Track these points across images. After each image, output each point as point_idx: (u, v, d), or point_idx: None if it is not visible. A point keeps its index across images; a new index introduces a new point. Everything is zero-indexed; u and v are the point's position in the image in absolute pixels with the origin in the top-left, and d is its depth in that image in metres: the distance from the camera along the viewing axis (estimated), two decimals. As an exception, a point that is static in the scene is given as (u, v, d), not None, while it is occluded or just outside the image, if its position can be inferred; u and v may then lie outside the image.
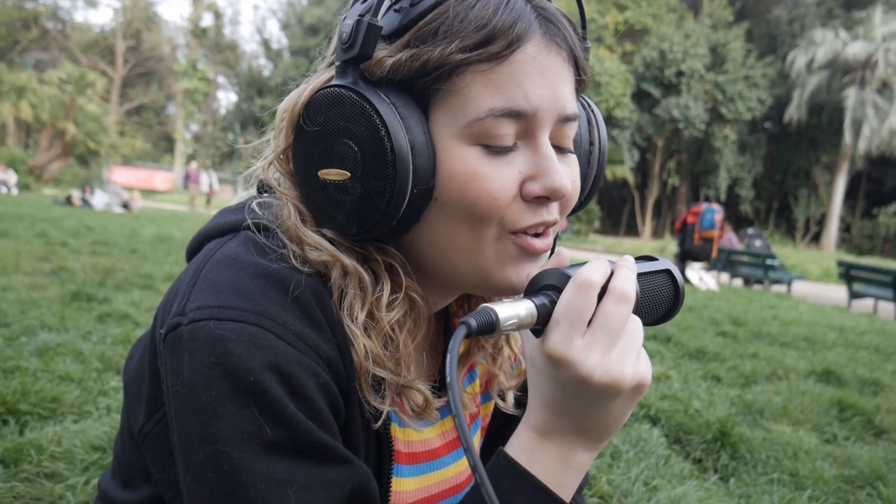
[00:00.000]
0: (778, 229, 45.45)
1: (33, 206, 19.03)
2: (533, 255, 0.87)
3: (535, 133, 0.83)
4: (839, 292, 15.49)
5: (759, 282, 15.64)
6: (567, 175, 0.86)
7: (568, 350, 0.74)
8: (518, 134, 0.82)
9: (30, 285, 5.96)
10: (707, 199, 29.19)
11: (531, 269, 0.87)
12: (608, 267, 0.79)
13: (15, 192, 26.89)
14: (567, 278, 0.77)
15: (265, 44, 67.90)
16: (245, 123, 61.38)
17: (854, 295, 12.96)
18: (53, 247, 9.29)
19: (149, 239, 11.97)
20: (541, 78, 0.81)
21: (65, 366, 3.50)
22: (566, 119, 0.86)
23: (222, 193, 47.04)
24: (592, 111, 1.02)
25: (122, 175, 41.40)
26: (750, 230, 20.92)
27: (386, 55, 0.80)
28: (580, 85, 0.90)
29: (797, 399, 4.45)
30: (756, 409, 4.14)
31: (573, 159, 0.91)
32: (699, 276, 13.70)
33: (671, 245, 25.62)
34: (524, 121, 0.81)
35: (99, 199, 22.96)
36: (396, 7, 0.82)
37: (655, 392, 4.15)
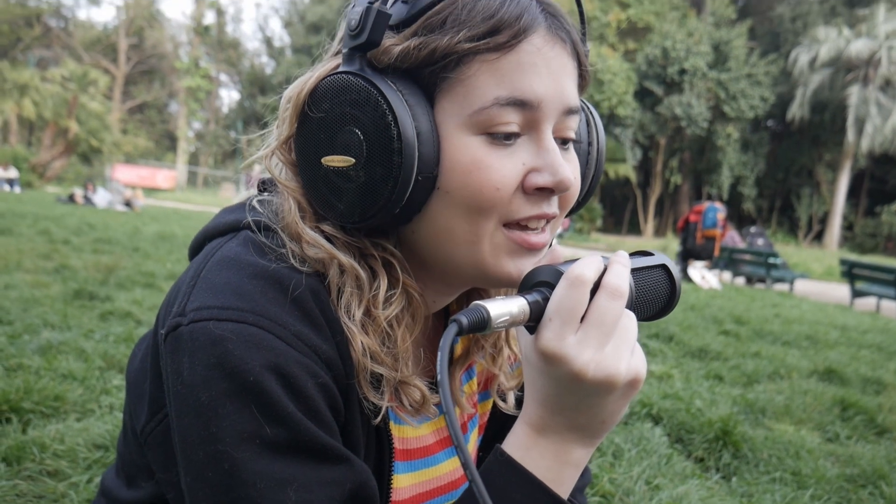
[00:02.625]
0: (780, 227, 45.42)
1: (36, 203, 19.06)
2: (529, 249, 0.87)
3: (539, 125, 0.83)
4: (842, 291, 15.46)
5: (762, 280, 15.62)
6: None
7: (561, 346, 0.74)
8: (522, 125, 0.82)
9: (32, 283, 5.97)
10: (710, 198, 29.20)
11: (529, 262, 0.87)
12: (601, 262, 0.79)
13: (17, 189, 26.92)
14: (560, 274, 0.77)
15: (267, 42, 68.05)
16: (247, 121, 61.44)
17: (857, 293, 12.94)
18: (56, 245, 9.31)
19: (151, 237, 11.98)
20: (546, 69, 0.82)
21: (67, 364, 3.51)
22: (569, 111, 0.86)
23: (224, 191, 47.14)
24: (591, 112, 1.03)
25: (124, 173, 41.49)
26: (752, 228, 20.90)
27: (393, 43, 0.81)
28: (582, 82, 0.91)
29: (799, 398, 4.44)
30: (758, 409, 4.14)
31: (573, 153, 0.91)
32: (701, 275, 13.69)
33: (673, 243, 25.61)
34: (529, 111, 0.81)
35: (101, 197, 22.99)
36: None
37: (657, 391, 4.15)
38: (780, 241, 38.38)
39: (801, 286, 16.59)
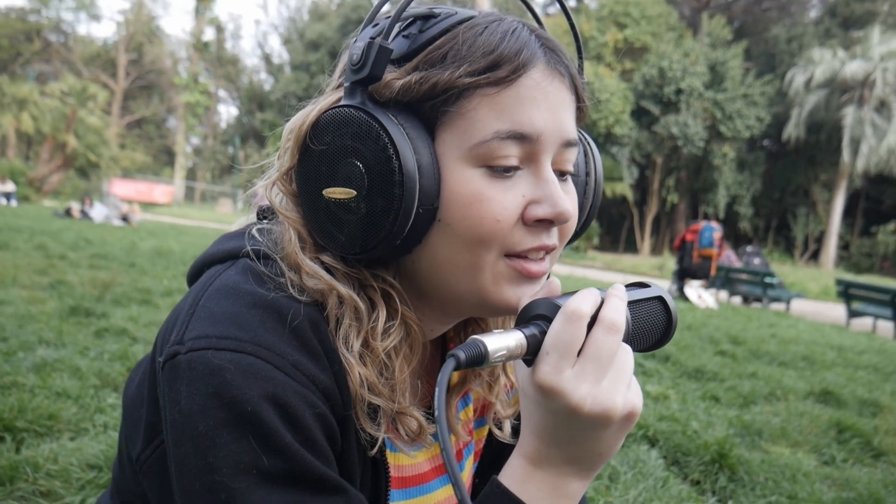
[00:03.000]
0: (777, 247, 45.49)
1: (33, 218, 19.05)
2: (529, 277, 0.87)
3: (538, 157, 0.84)
4: (838, 310, 15.47)
5: (758, 300, 15.62)
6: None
7: (558, 380, 0.75)
8: (521, 157, 0.83)
9: (28, 299, 5.96)
10: (706, 217, 29.24)
11: (530, 290, 0.87)
12: (598, 296, 0.80)
13: (14, 203, 26.91)
14: (557, 308, 0.78)
15: (266, 58, 68.27)
16: (245, 137, 61.62)
17: (853, 313, 12.94)
18: (52, 260, 9.30)
19: (148, 252, 11.97)
20: (545, 103, 0.83)
21: (62, 382, 3.50)
22: (568, 144, 0.87)
23: (222, 207, 47.16)
24: (588, 143, 1.04)
25: (121, 188, 41.49)
26: (749, 248, 20.95)
27: (395, 77, 0.82)
28: (579, 114, 0.92)
29: (796, 420, 4.44)
30: (754, 430, 4.13)
31: (571, 185, 0.92)
32: (698, 294, 13.70)
33: (670, 262, 25.63)
34: (528, 144, 0.82)
35: (98, 212, 22.98)
36: (405, 33, 0.85)
37: (653, 412, 4.14)
38: (777, 260, 38.40)
39: (798, 306, 16.61)
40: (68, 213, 22.61)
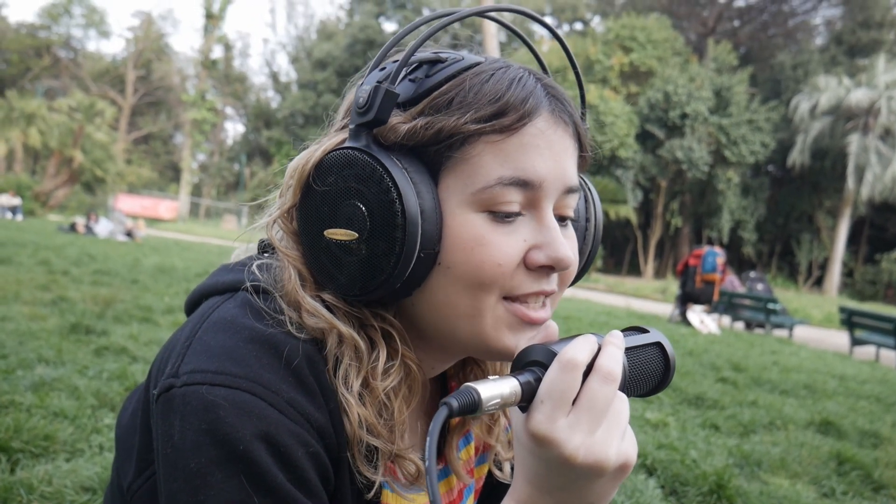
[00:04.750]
0: (780, 273, 45.38)
1: (37, 232, 19.09)
2: (530, 323, 0.87)
3: (540, 203, 0.85)
4: (841, 338, 15.40)
5: (761, 325, 15.56)
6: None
7: (551, 430, 0.74)
8: (523, 203, 0.84)
9: (29, 315, 5.96)
10: (710, 242, 29.23)
11: (529, 337, 0.87)
12: (595, 343, 0.79)
13: (20, 217, 27.00)
14: (553, 355, 0.77)
15: (274, 76, 68.72)
16: (251, 154, 61.85)
17: (856, 342, 12.88)
18: (55, 275, 9.31)
19: (150, 269, 11.98)
20: (548, 151, 0.84)
21: (59, 402, 3.49)
22: (569, 191, 0.88)
23: (226, 223, 47.22)
24: (589, 189, 1.05)
25: (127, 203, 41.59)
26: (752, 273, 20.89)
27: (400, 122, 0.83)
28: (581, 161, 0.93)
29: (795, 451, 4.41)
30: (754, 461, 4.10)
31: (571, 231, 0.93)
32: (700, 320, 13.65)
33: (673, 285, 25.57)
34: (530, 190, 0.83)
35: (103, 227, 23.02)
36: (411, 77, 0.86)
37: (652, 440, 4.12)
38: (780, 286, 38.31)
39: (801, 332, 16.54)
40: (73, 227, 22.66)
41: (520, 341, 0.87)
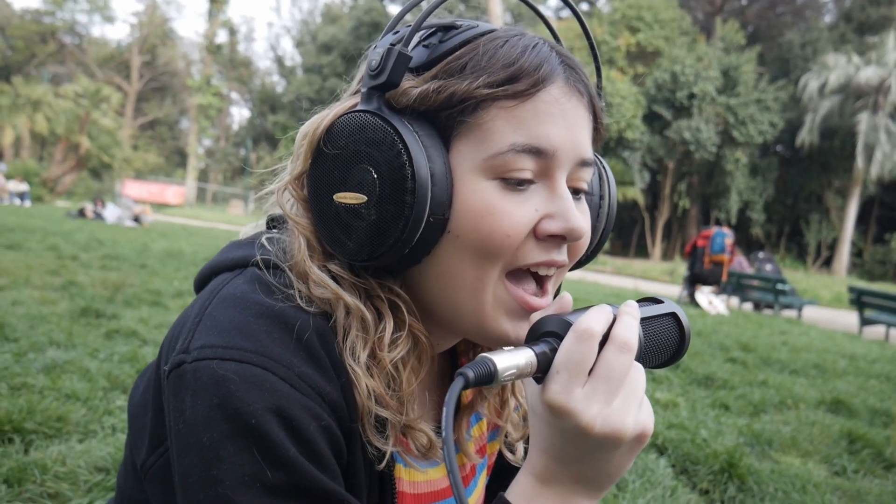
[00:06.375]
0: (789, 253, 45.20)
1: (46, 218, 19.17)
2: (528, 310, 0.87)
3: (553, 173, 0.84)
4: (850, 318, 15.37)
5: (770, 306, 15.53)
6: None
7: (568, 400, 0.73)
8: (536, 172, 0.83)
9: (40, 300, 5.99)
10: (718, 223, 29.08)
11: (526, 325, 0.86)
12: (610, 313, 0.78)
13: (28, 203, 27.11)
14: (568, 325, 0.76)
15: (279, 61, 68.54)
16: (257, 139, 61.83)
17: (865, 321, 12.83)
18: (64, 260, 9.35)
19: (159, 254, 12.02)
20: (562, 120, 0.83)
21: (71, 384, 3.51)
22: (583, 163, 0.87)
23: (233, 208, 47.29)
24: (604, 167, 1.03)
25: (134, 189, 41.69)
26: (761, 254, 20.81)
27: (412, 85, 0.82)
28: (596, 134, 0.91)
29: (806, 429, 4.40)
30: (764, 440, 4.10)
31: (585, 205, 0.92)
32: (709, 300, 13.62)
33: (681, 267, 25.51)
34: (543, 159, 0.82)
35: (111, 213, 23.12)
36: (425, 43, 0.85)
37: (663, 420, 4.12)
38: (789, 266, 38.16)
39: (810, 313, 16.50)
40: (82, 213, 22.79)
41: (517, 329, 0.87)
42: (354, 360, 0.83)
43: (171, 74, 62.29)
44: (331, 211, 0.84)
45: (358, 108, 0.83)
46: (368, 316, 0.85)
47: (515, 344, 0.81)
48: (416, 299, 0.90)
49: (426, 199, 0.79)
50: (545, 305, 0.88)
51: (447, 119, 0.82)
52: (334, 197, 0.83)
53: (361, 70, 0.92)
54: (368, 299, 0.87)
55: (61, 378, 3.58)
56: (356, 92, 0.90)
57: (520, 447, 1.12)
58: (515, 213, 0.82)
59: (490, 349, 1.06)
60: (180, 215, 38.29)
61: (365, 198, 0.80)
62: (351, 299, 0.84)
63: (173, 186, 50.42)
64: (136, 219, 22.96)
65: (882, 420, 4.97)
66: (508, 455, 1.12)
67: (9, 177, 29.10)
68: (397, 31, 0.87)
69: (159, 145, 62.41)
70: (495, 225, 0.81)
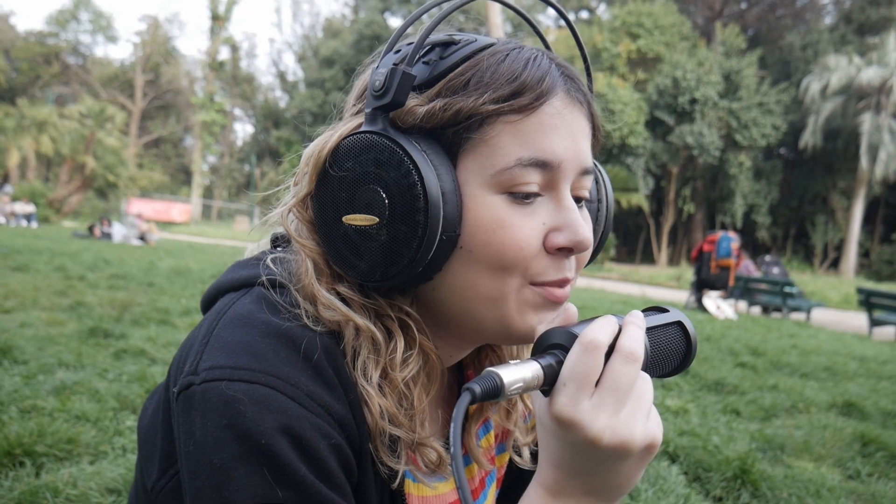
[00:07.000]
0: (796, 256, 45.04)
1: (52, 239, 19.24)
2: (555, 303, 0.87)
3: (558, 185, 0.84)
4: (859, 319, 15.29)
5: (778, 309, 15.46)
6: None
7: (575, 412, 0.73)
8: (542, 185, 0.83)
9: (48, 321, 6.01)
10: (723, 227, 29.04)
11: (550, 319, 0.87)
12: (615, 324, 0.78)
13: (34, 224, 27.24)
14: (574, 337, 0.76)
15: (281, 76, 68.83)
16: (261, 155, 62.02)
17: (875, 322, 12.77)
18: (71, 281, 9.38)
19: (166, 272, 12.05)
20: (565, 131, 0.83)
21: (81, 405, 3.51)
22: (585, 172, 0.88)
23: (239, 224, 47.39)
24: (600, 171, 1.04)
25: (139, 207, 41.83)
26: (767, 257, 20.75)
27: (417, 104, 0.82)
28: (594, 142, 0.92)
29: (818, 433, 4.38)
30: (777, 445, 4.08)
31: (586, 212, 0.93)
32: (716, 305, 13.58)
33: (687, 272, 25.45)
34: (549, 171, 0.82)
35: (117, 231, 23.24)
36: (425, 59, 0.85)
37: (674, 427, 4.10)
38: (796, 269, 38.04)
39: (818, 315, 16.42)
40: (91, 231, 23.00)
41: (543, 321, 0.86)
42: (367, 381, 0.83)
43: (174, 92, 62.64)
44: (339, 233, 0.84)
45: (363, 128, 0.83)
46: (379, 336, 0.85)
47: None
48: (430, 314, 0.90)
49: (438, 217, 0.79)
50: (568, 295, 0.88)
51: (453, 136, 0.82)
52: (343, 219, 0.83)
53: (356, 88, 0.92)
54: (378, 319, 0.87)
55: (71, 399, 3.58)
56: (357, 112, 0.90)
57: (526, 450, 1.12)
58: (525, 227, 0.82)
59: (493, 363, 1.07)
60: (186, 233, 38.40)
61: (376, 219, 0.80)
62: (361, 321, 0.84)
63: (179, 204, 50.59)
64: (143, 237, 23.06)
65: (894, 422, 4.94)
66: (516, 458, 1.12)
67: (15, 198, 29.24)
68: (398, 51, 0.87)
69: (164, 163, 62.65)
70: (507, 238, 0.81)
